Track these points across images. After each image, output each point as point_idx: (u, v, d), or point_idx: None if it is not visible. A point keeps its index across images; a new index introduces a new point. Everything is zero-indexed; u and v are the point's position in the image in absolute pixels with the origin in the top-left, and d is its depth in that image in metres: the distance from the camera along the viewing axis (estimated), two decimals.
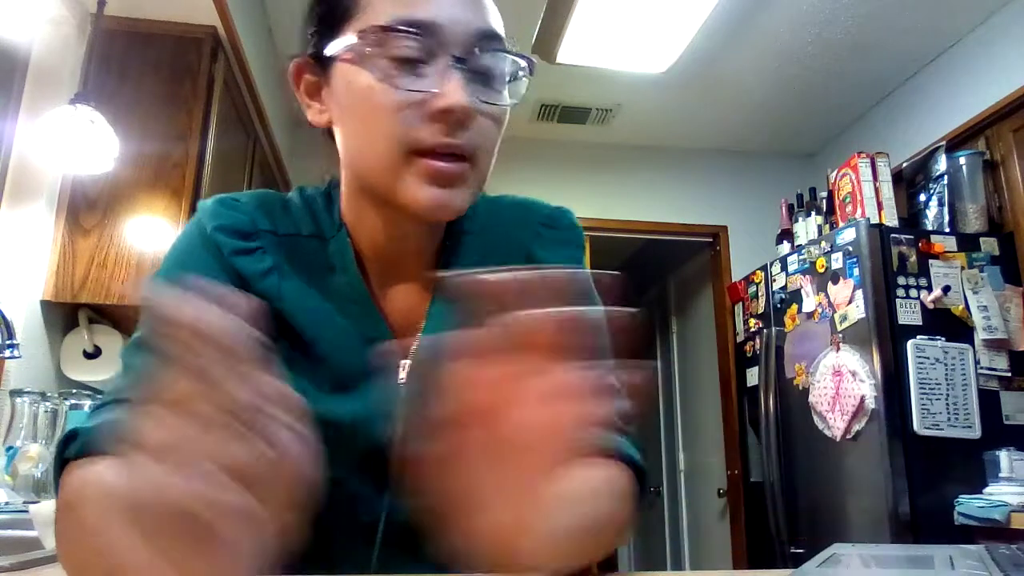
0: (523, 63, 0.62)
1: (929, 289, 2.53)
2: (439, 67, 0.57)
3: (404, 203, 0.60)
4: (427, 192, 0.58)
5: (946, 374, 2.45)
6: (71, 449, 0.52)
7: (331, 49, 0.62)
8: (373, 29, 0.58)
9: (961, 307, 2.53)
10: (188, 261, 0.65)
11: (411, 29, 0.57)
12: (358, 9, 0.60)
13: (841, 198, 2.92)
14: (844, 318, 2.58)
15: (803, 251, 2.87)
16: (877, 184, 2.81)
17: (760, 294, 3.14)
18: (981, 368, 2.48)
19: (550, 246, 0.72)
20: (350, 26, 0.60)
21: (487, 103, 0.59)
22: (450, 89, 0.56)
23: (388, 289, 0.68)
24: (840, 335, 2.59)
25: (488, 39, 0.60)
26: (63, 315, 2.12)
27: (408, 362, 0.66)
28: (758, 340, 3.03)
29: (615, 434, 0.62)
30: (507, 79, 0.62)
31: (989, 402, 2.46)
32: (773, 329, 2.95)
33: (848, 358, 2.53)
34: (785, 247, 3.18)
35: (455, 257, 0.69)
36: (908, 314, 2.50)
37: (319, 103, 0.65)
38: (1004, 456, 2.32)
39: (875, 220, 2.71)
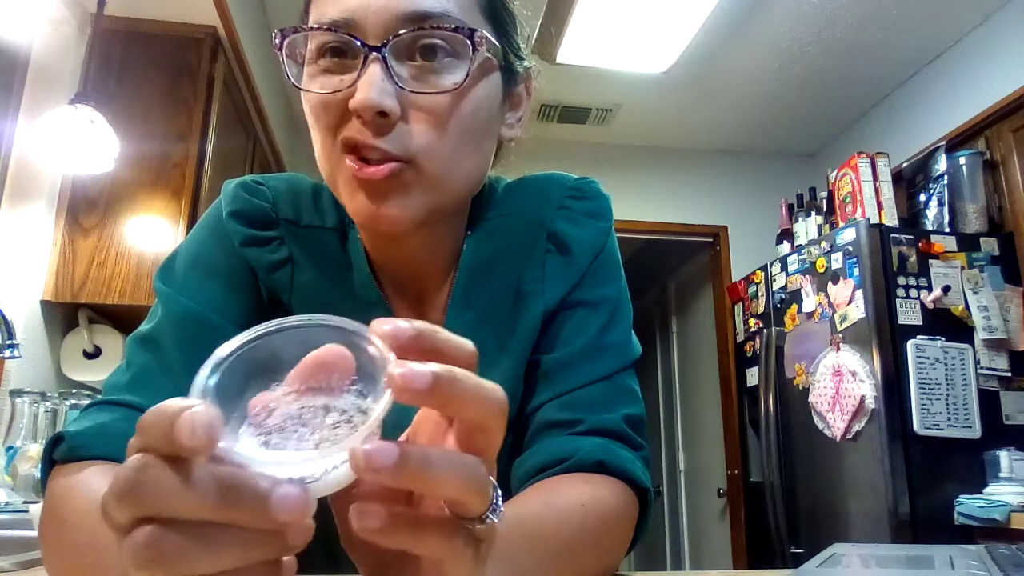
0: (462, 38, 0.53)
1: (929, 289, 2.53)
2: (359, 62, 0.52)
3: (350, 214, 0.57)
4: (359, 202, 0.54)
5: (946, 374, 2.45)
6: (58, 451, 0.51)
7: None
8: (286, 33, 0.55)
9: (961, 307, 2.52)
10: (201, 248, 0.63)
11: (324, 28, 0.53)
12: (306, 20, 0.58)
13: (841, 198, 2.92)
14: (844, 318, 2.58)
15: (803, 251, 2.87)
16: (877, 184, 2.81)
17: (760, 294, 3.14)
18: (981, 368, 2.48)
19: (578, 218, 0.68)
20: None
21: (417, 92, 0.52)
22: (359, 86, 0.51)
23: (404, 292, 0.65)
24: (840, 335, 2.59)
25: (414, 20, 0.52)
26: (63, 315, 2.12)
27: None
28: (758, 340, 3.03)
29: (622, 447, 0.60)
30: (459, 59, 0.54)
31: (989, 402, 2.46)
32: (773, 329, 2.95)
33: (848, 358, 2.53)
34: (785, 247, 3.18)
35: (467, 254, 0.65)
36: (908, 314, 2.49)
37: None
38: (1004, 456, 2.32)
39: (875, 220, 2.71)
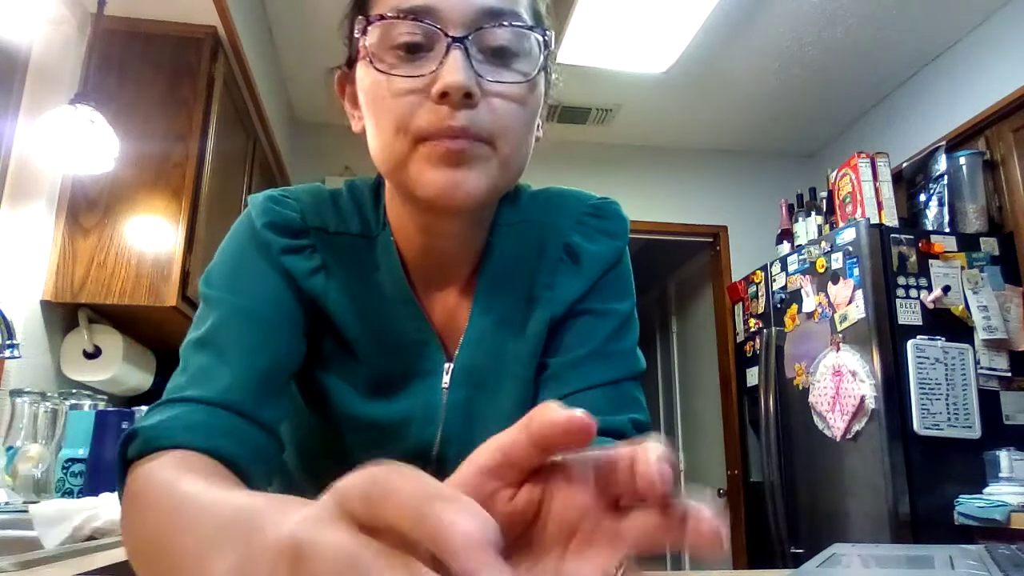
0: (536, 36, 0.58)
1: (929, 289, 2.53)
2: (440, 50, 0.55)
3: (417, 192, 0.58)
4: (435, 174, 0.56)
5: (946, 374, 2.45)
6: (132, 448, 0.52)
7: (351, 51, 0.62)
8: (372, 20, 0.57)
9: (961, 307, 2.52)
10: (240, 260, 0.64)
11: (406, 16, 0.56)
12: (370, 7, 0.60)
13: (841, 198, 2.92)
14: (844, 318, 2.58)
15: (803, 251, 2.87)
16: (877, 184, 2.81)
17: (760, 294, 3.14)
18: (981, 368, 2.48)
19: (594, 235, 0.70)
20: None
21: (494, 81, 0.56)
22: (446, 70, 0.54)
23: (431, 290, 0.67)
24: (840, 335, 2.59)
25: (493, 15, 0.56)
26: (63, 315, 2.12)
27: (451, 366, 0.66)
28: (758, 340, 3.03)
29: None
30: (526, 55, 0.58)
31: (989, 402, 2.46)
32: (773, 329, 2.95)
33: (848, 358, 2.53)
34: (785, 247, 3.18)
35: (490, 252, 0.67)
36: (908, 314, 2.49)
37: (358, 111, 0.63)
38: (1004, 456, 2.32)
39: (875, 220, 2.71)
